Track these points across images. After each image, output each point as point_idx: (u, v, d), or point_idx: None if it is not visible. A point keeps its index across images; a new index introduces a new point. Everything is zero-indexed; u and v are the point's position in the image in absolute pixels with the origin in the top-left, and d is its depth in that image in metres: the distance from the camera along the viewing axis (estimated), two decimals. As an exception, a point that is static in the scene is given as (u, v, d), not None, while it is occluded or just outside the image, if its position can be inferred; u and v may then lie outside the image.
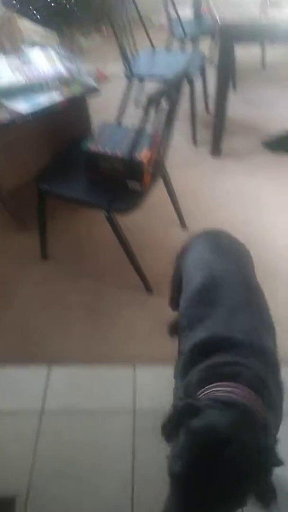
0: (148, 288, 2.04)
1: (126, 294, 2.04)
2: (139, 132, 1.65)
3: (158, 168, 1.95)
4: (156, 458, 1.47)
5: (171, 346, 1.80)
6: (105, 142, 1.79)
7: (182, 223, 2.37)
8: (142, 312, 1.97)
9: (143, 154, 1.72)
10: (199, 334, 1.06)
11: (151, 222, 2.41)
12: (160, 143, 1.83)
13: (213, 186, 2.69)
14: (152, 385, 1.69)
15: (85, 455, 1.50)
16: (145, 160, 1.71)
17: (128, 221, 2.02)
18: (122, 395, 1.66)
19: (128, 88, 2.90)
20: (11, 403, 1.65)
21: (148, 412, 1.60)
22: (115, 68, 3.59)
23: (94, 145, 1.77)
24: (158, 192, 2.09)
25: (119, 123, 2.83)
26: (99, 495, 1.40)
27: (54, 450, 1.52)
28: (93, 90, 1.95)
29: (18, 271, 2.18)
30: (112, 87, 3.29)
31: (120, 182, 1.80)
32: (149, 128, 1.70)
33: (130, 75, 2.80)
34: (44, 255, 2.22)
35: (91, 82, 1.96)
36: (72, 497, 1.40)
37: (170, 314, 1.91)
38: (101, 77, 3.64)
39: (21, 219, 2.39)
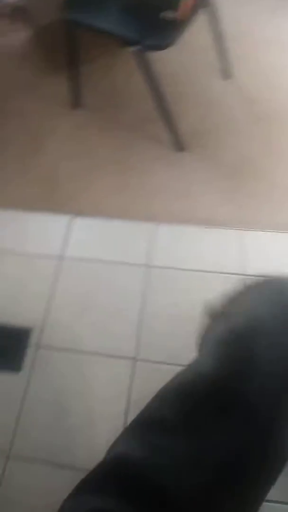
0: (179, 147, 1.87)
1: (157, 150, 1.89)
2: None
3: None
4: (164, 305, 1.49)
5: (195, 209, 1.71)
6: None
7: (226, 73, 2.06)
8: (171, 169, 1.84)
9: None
10: None
11: (189, 70, 2.12)
12: None
13: (270, 29, 2.27)
14: (170, 244, 1.64)
15: (99, 297, 1.54)
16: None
17: (162, 67, 1.77)
18: (139, 251, 1.63)
19: None
20: (34, 247, 1.68)
21: (162, 268, 1.58)
22: None
23: None
24: (199, 33, 1.79)
25: None
26: (111, 331, 1.46)
27: (70, 291, 1.57)
28: None
29: (51, 118, 2.05)
30: None
31: (153, 10, 1.53)
32: None
33: None
34: (76, 103, 2.06)
35: None
36: (85, 333, 1.47)
37: (200, 175, 1.78)
38: None
39: (56, 61, 2.19)
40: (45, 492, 1.24)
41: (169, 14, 1.50)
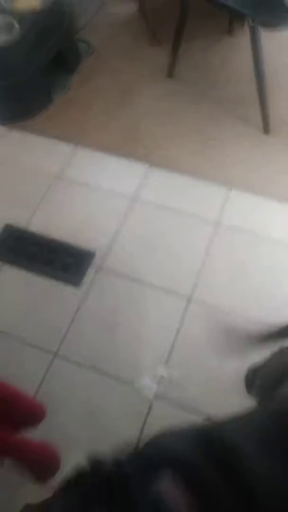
0: (266, 129, 1.93)
1: (242, 128, 1.95)
2: None
3: None
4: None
5: (270, 184, 1.76)
6: None
7: None
8: (252, 148, 1.89)
9: None
10: None
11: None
12: None
13: None
14: (241, 209, 1.69)
15: (165, 239, 1.60)
16: None
17: (270, 56, 1.84)
18: (210, 208, 1.68)
19: None
20: (109, 185, 1.76)
21: (232, 228, 1.62)
22: None
23: None
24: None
25: None
26: (170, 270, 1.51)
27: (137, 228, 1.63)
28: None
29: (143, 82, 2.15)
30: None
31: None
32: None
33: None
34: (171, 73, 2.16)
35: None
36: (145, 266, 1.52)
37: (281, 157, 1.82)
38: None
39: (158, 34, 2.30)
40: (84, 396, 1.28)
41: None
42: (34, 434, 1.08)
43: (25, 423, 0.96)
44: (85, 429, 1.22)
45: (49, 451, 1.08)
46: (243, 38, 2.25)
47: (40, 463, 1.06)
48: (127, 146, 1.88)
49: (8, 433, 0.89)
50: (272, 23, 1.65)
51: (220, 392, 1.26)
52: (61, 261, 1.54)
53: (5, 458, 0.93)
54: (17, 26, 1.81)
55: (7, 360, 1.34)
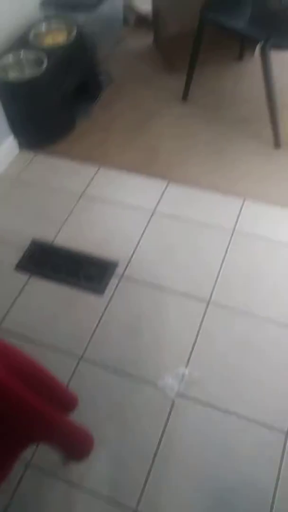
0: (277, 143, 1.98)
1: (253, 143, 2.01)
2: None
3: None
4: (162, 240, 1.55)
5: (282, 194, 1.79)
6: None
7: None
8: (264, 162, 1.94)
9: None
10: None
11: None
12: None
13: None
14: (255, 218, 1.72)
15: (184, 247, 1.64)
16: None
17: (278, 77, 1.90)
18: (226, 218, 1.73)
19: None
20: (131, 200, 1.83)
21: (246, 236, 1.65)
22: None
23: None
24: None
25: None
26: (190, 276, 1.55)
27: (156, 239, 1.68)
28: None
29: (160, 107, 2.24)
30: None
31: (284, 19, 1.69)
32: None
33: None
34: (185, 96, 2.25)
35: None
36: (166, 273, 1.56)
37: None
38: None
39: (173, 62, 2.41)
40: (109, 396, 1.31)
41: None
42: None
43: (62, 409, 1.00)
44: (110, 427, 1.25)
45: (86, 433, 1.15)
46: (251, 63, 2.35)
47: (80, 443, 1.13)
48: (146, 165, 1.96)
49: (57, 412, 0.94)
50: (283, 45, 1.72)
51: (240, 389, 1.28)
52: (86, 271, 1.60)
53: (52, 436, 0.98)
54: (45, 60, 1.94)
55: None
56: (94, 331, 1.44)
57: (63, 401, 1.01)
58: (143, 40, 2.65)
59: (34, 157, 2.05)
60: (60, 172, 1.97)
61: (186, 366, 1.33)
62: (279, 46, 1.72)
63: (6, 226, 1.78)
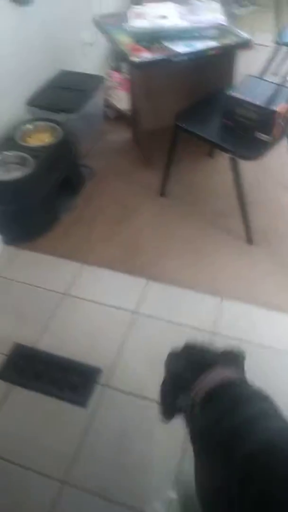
0: (249, 239, 2.07)
1: (228, 238, 2.09)
2: (281, 85, 1.65)
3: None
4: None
5: (255, 291, 1.84)
6: (246, 91, 1.82)
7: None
8: (238, 258, 2.01)
9: (280, 106, 1.72)
10: None
11: (267, 181, 2.39)
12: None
13: None
14: (232, 318, 1.75)
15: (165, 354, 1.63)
16: (280, 110, 1.71)
17: (246, 174, 2.04)
18: (205, 319, 1.75)
19: (274, 55, 2.84)
20: (112, 299, 1.83)
21: (226, 338, 1.67)
22: (261, 38, 3.50)
23: (235, 91, 1.81)
24: (281, 154, 2.09)
25: (262, 77, 2.79)
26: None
27: (140, 343, 1.67)
28: (247, 43, 1.96)
29: (139, 200, 2.33)
30: (256, 55, 3.22)
31: (250, 130, 1.83)
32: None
33: (279, 41, 2.74)
34: (162, 192, 2.34)
35: (246, 35, 1.97)
36: (151, 382, 1.54)
37: (264, 266, 1.94)
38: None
39: (150, 157, 2.53)
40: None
41: (262, 136, 1.79)
42: None
43: None
44: None
45: None
46: (222, 159, 2.49)
47: None
48: (127, 262, 1.99)
49: None
50: (250, 157, 1.85)
51: None
52: (69, 380, 1.56)
53: None
54: (30, 160, 2.00)
55: (12, 488, 1.31)
56: (77, 450, 1.39)
57: None
58: (123, 135, 2.80)
59: (17, 253, 2.06)
60: (43, 269, 1.98)
61: (174, 489, 1.28)
62: (247, 157, 1.84)
63: (-13, 328, 1.75)
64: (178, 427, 1.40)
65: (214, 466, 0.63)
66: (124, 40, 2.03)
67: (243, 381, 0.77)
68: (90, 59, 2.89)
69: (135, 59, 1.89)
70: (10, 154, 2.06)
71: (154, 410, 1.46)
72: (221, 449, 0.63)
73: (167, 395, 0.89)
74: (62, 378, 1.56)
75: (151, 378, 1.54)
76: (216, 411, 0.69)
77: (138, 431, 1.42)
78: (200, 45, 1.92)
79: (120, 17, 2.20)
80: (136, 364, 1.60)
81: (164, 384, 0.91)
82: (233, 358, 0.90)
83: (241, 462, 0.58)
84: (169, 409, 0.88)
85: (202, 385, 0.76)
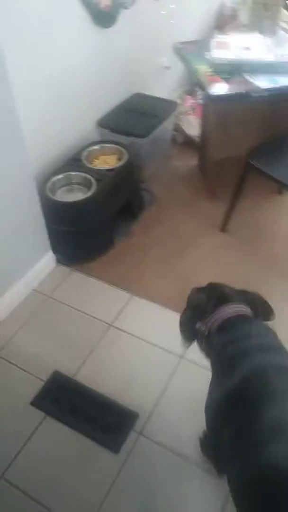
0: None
1: (286, 284, 1.94)
2: None
3: None
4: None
5: None
6: None
7: None
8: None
9: None
10: None
11: None
12: None
13: None
14: None
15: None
16: None
17: None
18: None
19: None
20: (160, 340, 1.74)
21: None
22: None
23: None
24: None
25: None
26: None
27: (183, 391, 1.56)
28: None
29: (198, 233, 2.23)
30: None
31: None
32: None
33: None
34: (224, 228, 2.23)
35: None
36: (188, 438, 1.43)
37: None
38: None
39: (214, 188, 2.43)
40: None
41: None
42: None
43: None
44: None
45: None
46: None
47: None
48: (178, 299, 1.88)
49: None
50: None
51: None
52: (103, 419, 1.48)
53: None
54: (94, 183, 1.97)
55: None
56: (104, 499, 1.30)
57: None
58: (188, 161, 2.72)
59: (70, 274, 2.03)
60: (93, 294, 1.93)
61: None
62: None
63: (29, 349, 1.71)
64: (217, 492, 1.28)
65: (219, 379, 0.93)
66: (203, 70, 1.96)
67: (253, 318, 1.03)
68: (164, 82, 2.85)
69: (213, 92, 1.80)
70: (75, 174, 2.05)
71: (189, 473, 1.35)
72: (225, 368, 0.91)
73: (187, 320, 1.10)
74: (97, 416, 1.49)
75: (188, 432, 1.43)
76: (227, 337, 0.96)
77: (169, 493, 1.31)
78: (284, 81, 1.80)
79: (201, 45, 2.14)
80: (176, 414, 1.49)
81: (185, 312, 1.12)
82: (251, 299, 1.11)
83: (238, 381, 0.86)
84: (188, 332, 1.09)
85: (219, 316, 1.01)
